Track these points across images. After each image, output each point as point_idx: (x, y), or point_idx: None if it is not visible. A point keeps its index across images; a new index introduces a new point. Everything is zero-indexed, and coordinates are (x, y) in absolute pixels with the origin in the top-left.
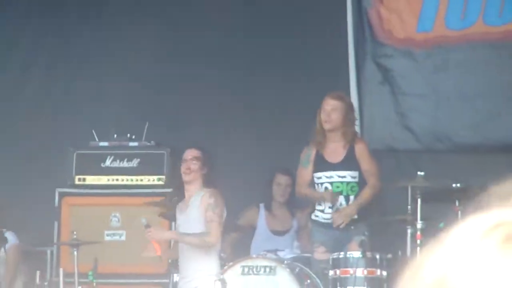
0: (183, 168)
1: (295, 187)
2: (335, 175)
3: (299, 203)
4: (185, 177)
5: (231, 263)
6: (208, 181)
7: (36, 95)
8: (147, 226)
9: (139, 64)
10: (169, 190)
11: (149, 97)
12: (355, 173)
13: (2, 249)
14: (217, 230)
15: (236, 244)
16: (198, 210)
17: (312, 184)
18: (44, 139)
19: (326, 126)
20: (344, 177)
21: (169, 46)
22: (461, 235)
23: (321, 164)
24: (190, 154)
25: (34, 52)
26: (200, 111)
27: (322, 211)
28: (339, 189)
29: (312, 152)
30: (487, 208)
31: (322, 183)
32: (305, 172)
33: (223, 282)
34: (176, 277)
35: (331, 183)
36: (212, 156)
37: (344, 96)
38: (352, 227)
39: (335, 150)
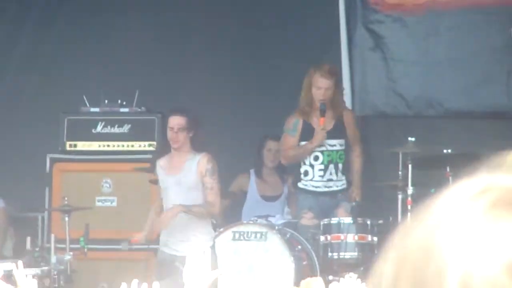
0: (169, 136)
1: (281, 153)
2: (326, 144)
3: (290, 169)
4: (173, 145)
5: (222, 229)
6: (196, 144)
7: (25, 60)
8: (130, 245)
9: (130, 30)
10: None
11: (140, 63)
12: (343, 141)
13: None
14: (218, 198)
15: (227, 210)
16: (195, 175)
17: None
18: (35, 104)
19: (320, 100)
20: (334, 145)
21: (160, 14)
22: (448, 200)
23: (311, 133)
24: (176, 123)
25: (21, 17)
26: (191, 78)
27: (312, 179)
28: (330, 157)
29: (300, 121)
30: (477, 174)
31: (312, 152)
32: (292, 139)
33: (213, 251)
34: None
35: (321, 151)
36: (197, 118)
37: (335, 71)
38: (340, 194)
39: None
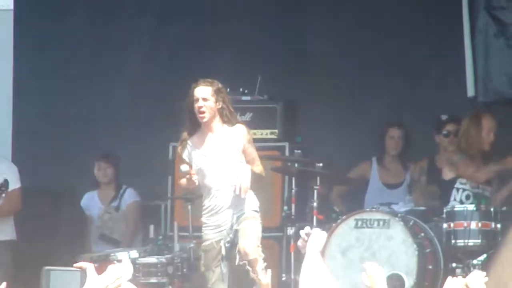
0: (196, 109)
1: (475, 174)
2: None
3: (412, 156)
4: (201, 119)
5: (344, 217)
6: (226, 116)
7: (147, 50)
8: (185, 172)
9: (251, 17)
10: (283, 143)
11: (262, 50)
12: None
13: (123, 206)
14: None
15: (345, 196)
16: (236, 143)
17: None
18: (158, 94)
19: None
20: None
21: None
22: None
23: None
24: (200, 94)
25: (142, 11)
26: (313, 64)
27: None
28: (477, 200)
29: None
30: None
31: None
32: (469, 161)
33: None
34: (290, 231)
35: (475, 193)
36: (223, 89)
37: None
38: None
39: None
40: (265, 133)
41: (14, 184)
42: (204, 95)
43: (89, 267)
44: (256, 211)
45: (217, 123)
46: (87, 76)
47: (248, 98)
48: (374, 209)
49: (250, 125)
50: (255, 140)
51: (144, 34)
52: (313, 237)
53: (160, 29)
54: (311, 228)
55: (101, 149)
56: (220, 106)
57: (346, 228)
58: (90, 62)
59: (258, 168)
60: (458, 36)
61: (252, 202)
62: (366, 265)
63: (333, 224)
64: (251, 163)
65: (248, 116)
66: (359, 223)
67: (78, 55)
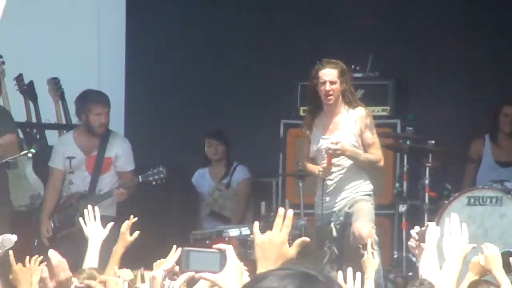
0: (322, 91)
1: None
2: None
3: None
4: (327, 101)
5: (456, 194)
6: (348, 97)
7: (258, 27)
8: None
9: None
10: (395, 120)
11: (374, 27)
12: None
13: (234, 183)
14: (380, 152)
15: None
16: (353, 127)
17: None
18: (269, 70)
19: None
20: None
21: None
22: None
23: None
24: (327, 76)
25: None
26: (424, 42)
27: None
28: None
29: None
30: None
31: None
32: None
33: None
34: (401, 208)
35: None
36: (346, 70)
37: None
38: None
39: None
40: (377, 110)
41: (130, 166)
42: (332, 77)
43: (229, 249)
44: (369, 194)
45: (340, 105)
46: (199, 55)
47: (359, 75)
48: (486, 187)
49: (361, 102)
50: None
51: (254, 12)
52: (430, 231)
53: (268, 7)
54: (423, 226)
55: (212, 126)
56: (343, 88)
57: (458, 205)
58: (201, 42)
59: (373, 155)
60: None
61: (365, 185)
62: (483, 245)
63: (445, 202)
64: (367, 148)
65: (359, 93)
66: (472, 200)
67: (189, 35)
